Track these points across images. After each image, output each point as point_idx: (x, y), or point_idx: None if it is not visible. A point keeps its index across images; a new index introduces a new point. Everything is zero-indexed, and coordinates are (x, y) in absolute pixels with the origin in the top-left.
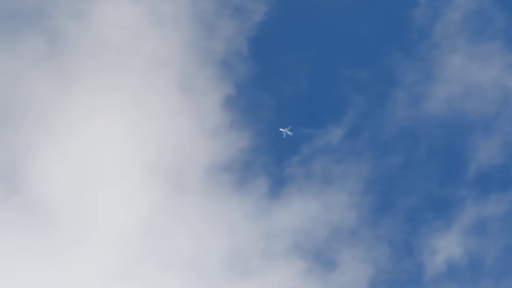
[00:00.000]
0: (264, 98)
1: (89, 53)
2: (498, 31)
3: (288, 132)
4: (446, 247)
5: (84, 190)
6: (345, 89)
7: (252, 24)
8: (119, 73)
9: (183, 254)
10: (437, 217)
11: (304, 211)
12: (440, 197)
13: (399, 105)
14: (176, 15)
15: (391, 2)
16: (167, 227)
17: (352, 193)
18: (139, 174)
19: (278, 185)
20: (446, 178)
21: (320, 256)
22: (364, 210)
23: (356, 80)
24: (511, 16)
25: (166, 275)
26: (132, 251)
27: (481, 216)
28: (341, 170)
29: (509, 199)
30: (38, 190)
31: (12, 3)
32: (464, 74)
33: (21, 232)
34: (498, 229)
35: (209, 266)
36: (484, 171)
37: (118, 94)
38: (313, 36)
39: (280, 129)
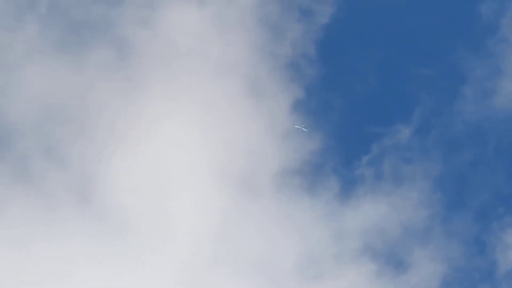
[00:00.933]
0: (332, 99)
1: (157, 60)
2: None
3: (303, 129)
4: None
5: (156, 197)
6: (412, 87)
7: (319, 26)
8: (188, 79)
9: (255, 258)
10: (508, 212)
11: (374, 211)
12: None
13: (467, 102)
14: (242, 19)
15: None
16: (238, 231)
17: (422, 191)
18: (210, 179)
19: (348, 186)
20: None
21: (392, 257)
22: (435, 208)
23: (423, 77)
24: None
25: (238, 279)
26: (204, 256)
27: None
28: (410, 169)
29: None
30: (111, 199)
31: (79, 15)
32: None
33: (95, 240)
34: None
35: (281, 269)
36: None
37: (187, 100)
38: (379, 35)
39: (296, 126)
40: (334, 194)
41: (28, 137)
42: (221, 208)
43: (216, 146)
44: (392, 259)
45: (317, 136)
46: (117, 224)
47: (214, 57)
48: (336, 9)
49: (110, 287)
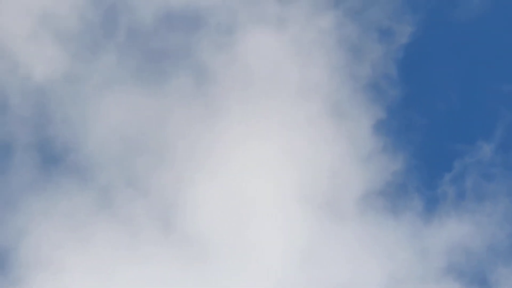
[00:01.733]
0: (414, 118)
1: (236, 85)
2: None
3: None
4: None
5: (237, 222)
6: (494, 103)
7: (399, 45)
8: (268, 102)
9: (341, 281)
10: None
11: (458, 230)
12: None
13: None
14: (321, 41)
15: None
16: (324, 254)
17: (506, 208)
18: (293, 203)
19: (431, 205)
20: None
21: (476, 276)
22: None
23: (505, 93)
24: None
25: None
26: (289, 281)
27: None
28: (493, 185)
29: None
30: (192, 225)
31: (156, 43)
32: None
33: (178, 267)
34: None
35: None
36: None
37: (267, 123)
38: (459, 53)
39: None
40: (417, 214)
41: (110, 167)
42: (306, 232)
43: (299, 169)
44: (476, 278)
45: (399, 156)
46: (199, 250)
47: (294, 79)
48: (416, 28)
49: None
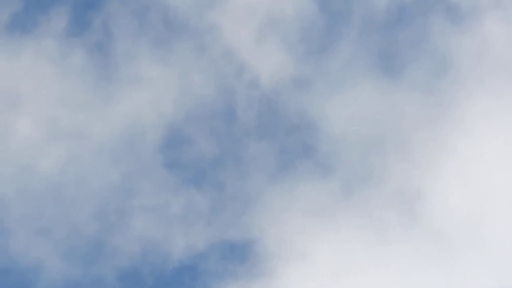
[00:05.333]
0: None
1: (477, 74)
2: None
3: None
4: None
5: (479, 217)
6: None
7: None
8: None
9: None
10: None
11: None
12: None
13: None
14: None
15: None
16: None
17: None
18: None
19: None
20: None
21: None
22: None
23: None
24: None
25: None
26: None
27: None
28: None
29: None
30: (438, 219)
31: (390, 37)
32: None
33: (424, 264)
34: None
35: None
36: None
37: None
38: None
39: (353, 128)
40: None
41: (350, 160)
42: None
43: None
44: None
45: None
46: (443, 246)
47: None
48: None
49: None
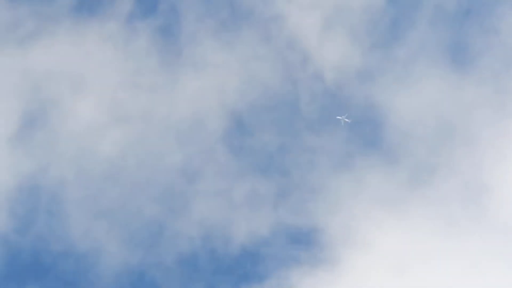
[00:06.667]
0: None
1: None
2: None
3: (346, 120)
4: None
5: None
6: None
7: None
8: None
9: None
10: None
11: None
12: None
13: None
14: None
15: None
16: None
17: None
18: None
19: None
20: None
21: None
22: None
23: None
24: None
25: None
26: None
27: None
28: None
29: None
30: (506, 212)
31: (459, 30)
32: None
33: (491, 257)
34: None
35: None
36: None
37: None
38: None
39: (337, 117)
40: None
41: (419, 149)
42: None
43: None
44: None
45: None
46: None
47: None
48: None
49: None
